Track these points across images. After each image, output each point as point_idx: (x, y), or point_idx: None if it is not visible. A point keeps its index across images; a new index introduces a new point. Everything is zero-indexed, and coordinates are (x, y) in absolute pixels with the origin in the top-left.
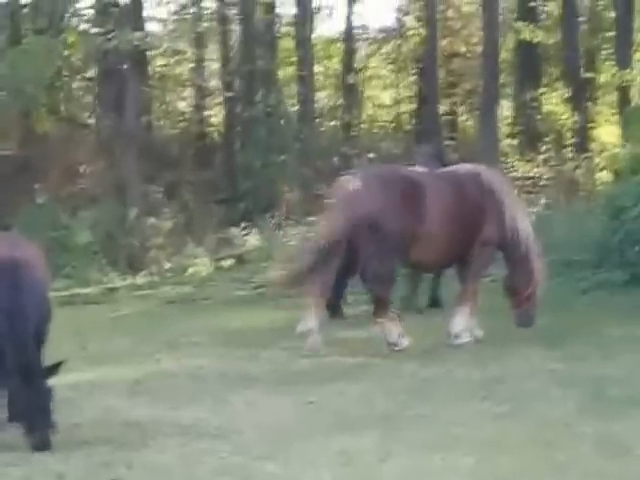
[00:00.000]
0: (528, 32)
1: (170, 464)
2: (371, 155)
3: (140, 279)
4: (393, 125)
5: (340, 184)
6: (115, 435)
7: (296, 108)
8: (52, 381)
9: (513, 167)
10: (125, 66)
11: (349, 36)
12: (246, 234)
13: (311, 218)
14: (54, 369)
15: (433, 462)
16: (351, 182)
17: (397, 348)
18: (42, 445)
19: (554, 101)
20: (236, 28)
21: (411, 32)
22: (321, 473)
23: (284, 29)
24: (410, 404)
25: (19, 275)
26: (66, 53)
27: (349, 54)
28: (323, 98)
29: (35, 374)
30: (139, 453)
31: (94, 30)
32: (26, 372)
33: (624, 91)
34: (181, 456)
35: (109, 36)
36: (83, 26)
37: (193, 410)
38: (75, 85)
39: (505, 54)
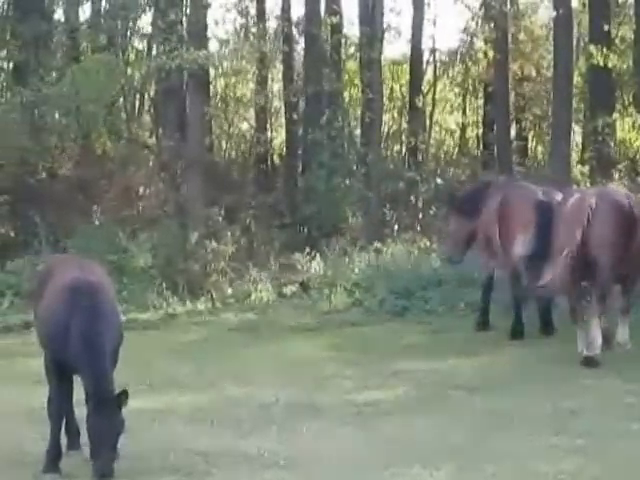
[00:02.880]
0: (601, 56)
1: None
2: (438, 181)
3: (201, 305)
4: (459, 150)
5: (577, 200)
6: (180, 464)
7: (360, 131)
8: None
9: None
10: (187, 86)
11: (416, 58)
12: (309, 260)
13: (377, 244)
14: (123, 398)
15: None
16: (588, 200)
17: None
18: (105, 473)
19: (627, 127)
20: (301, 48)
21: (480, 55)
22: None
23: (350, 50)
24: (483, 438)
25: (98, 300)
26: (127, 72)
27: (415, 76)
28: (388, 121)
29: (109, 402)
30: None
31: (156, 48)
32: (100, 399)
33: None
34: None
35: (171, 55)
36: (144, 44)
37: (259, 439)
38: (136, 105)
39: (577, 79)
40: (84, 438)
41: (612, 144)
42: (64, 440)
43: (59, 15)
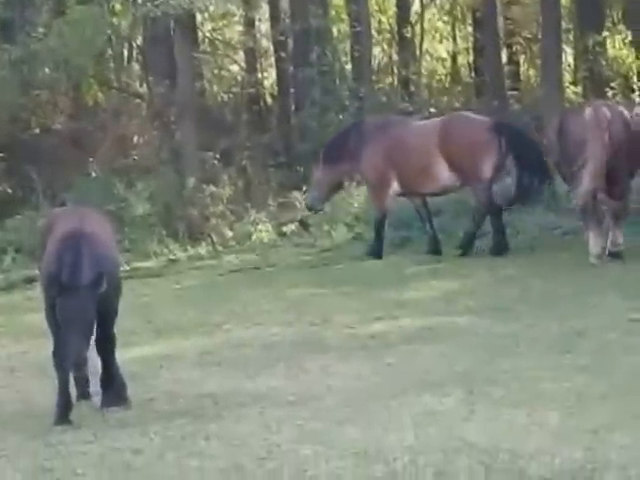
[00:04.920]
0: None
1: (248, 433)
2: (432, 110)
3: (202, 249)
4: (451, 78)
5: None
6: (190, 407)
7: (350, 66)
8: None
9: None
10: (174, 32)
11: None
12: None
13: None
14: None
15: (518, 418)
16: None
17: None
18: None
19: (617, 45)
20: None
21: None
22: (404, 435)
23: None
24: (490, 361)
25: (82, 245)
26: (114, 21)
27: (403, 7)
28: (378, 54)
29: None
30: (216, 424)
31: None
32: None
33: None
34: (259, 425)
35: (156, 2)
36: None
37: (267, 378)
38: (124, 54)
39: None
40: (93, 387)
41: (604, 62)
42: (73, 391)
43: None
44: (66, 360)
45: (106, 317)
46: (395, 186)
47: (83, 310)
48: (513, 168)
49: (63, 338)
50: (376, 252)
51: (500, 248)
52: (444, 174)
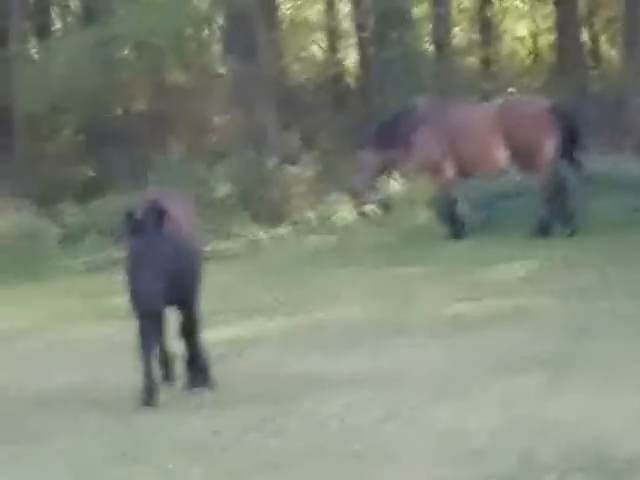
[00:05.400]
0: None
1: (331, 415)
2: (512, 90)
3: (283, 230)
4: (532, 58)
5: None
6: (271, 390)
7: (432, 46)
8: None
9: None
10: (254, 11)
11: None
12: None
13: None
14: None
15: (602, 402)
16: None
17: None
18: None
19: None
20: None
21: None
22: (488, 415)
23: None
24: (571, 345)
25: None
26: (193, 1)
27: None
28: (459, 34)
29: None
30: (297, 406)
31: None
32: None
33: None
34: (342, 406)
35: None
36: None
37: (350, 360)
38: (205, 35)
39: None
40: (179, 369)
41: None
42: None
43: None
44: (139, 301)
45: (189, 298)
46: (451, 171)
47: (154, 251)
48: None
49: (135, 281)
50: (454, 234)
51: (545, 230)
52: (502, 157)
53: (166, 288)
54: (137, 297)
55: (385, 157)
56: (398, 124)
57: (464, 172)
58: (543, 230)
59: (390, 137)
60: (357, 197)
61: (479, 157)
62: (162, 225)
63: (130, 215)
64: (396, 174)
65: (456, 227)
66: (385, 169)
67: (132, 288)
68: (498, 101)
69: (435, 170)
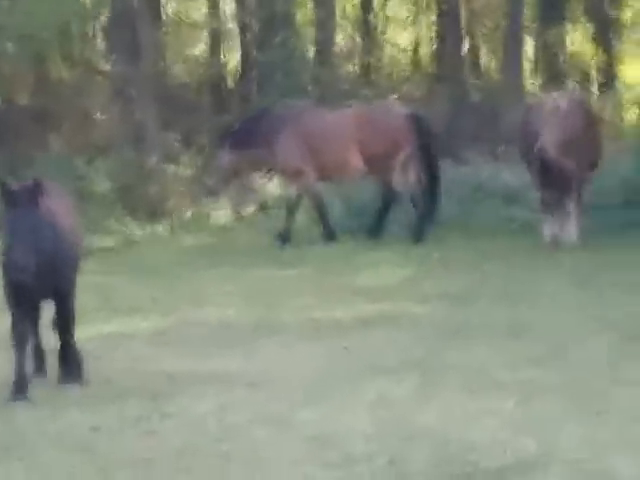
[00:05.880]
0: None
1: (205, 414)
2: (394, 97)
3: (160, 229)
4: (413, 67)
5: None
6: (146, 386)
7: (313, 51)
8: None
9: None
10: (138, 10)
11: None
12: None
13: None
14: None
15: (471, 406)
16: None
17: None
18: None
19: (578, 39)
20: None
21: None
22: (359, 418)
23: None
24: (444, 349)
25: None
26: None
27: None
28: (341, 41)
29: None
30: (172, 404)
31: None
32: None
33: None
34: (215, 406)
35: None
36: None
37: (224, 359)
38: (89, 31)
39: None
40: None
41: (563, 56)
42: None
43: None
44: (12, 266)
45: (64, 293)
46: (311, 173)
47: (27, 218)
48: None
49: (10, 248)
50: (327, 237)
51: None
52: (358, 163)
53: (39, 266)
54: (9, 269)
55: (244, 157)
56: (258, 125)
57: (323, 176)
58: (415, 235)
59: (249, 137)
60: (213, 195)
61: (337, 162)
62: (38, 200)
63: (5, 187)
64: (262, 174)
65: (327, 230)
66: (245, 169)
67: (5, 261)
68: (356, 107)
69: (295, 174)
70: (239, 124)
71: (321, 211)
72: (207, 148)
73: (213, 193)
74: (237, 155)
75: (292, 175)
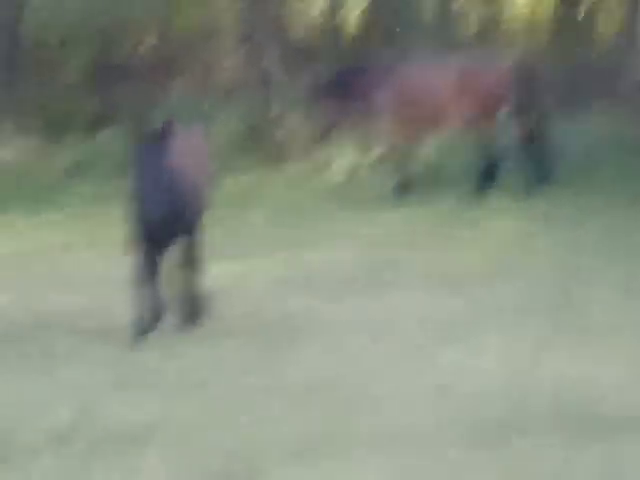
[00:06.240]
0: None
1: (324, 357)
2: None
3: (291, 170)
4: (531, 25)
5: None
6: (268, 329)
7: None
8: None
9: None
10: None
11: None
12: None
13: None
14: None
15: (596, 349)
16: None
17: None
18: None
19: None
20: None
21: None
22: (488, 360)
23: None
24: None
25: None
26: None
27: None
28: None
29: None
30: (293, 347)
31: None
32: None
33: None
34: (337, 350)
35: None
36: None
37: (345, 305)
38: None
39: None
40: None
41: None
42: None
43: None
44: (144, 208)
45: (192, 236)
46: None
47: (158, 161)
48: None
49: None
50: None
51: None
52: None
53: (169, 209)
54: (141, 211)
55: (341, 110)
56: (354, 77)
57: (421, 130)
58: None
59: (346, 90)
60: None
61: (436, 116)
62: (169, 142)
63: (137, 128)
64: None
65: (398, 187)
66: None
67: (137, 203)
68: (457, 60)
69: (390, 129)
70: (334, 76)
71: (402, 170)
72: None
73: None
74: (333, 107)
75: (386, 130)
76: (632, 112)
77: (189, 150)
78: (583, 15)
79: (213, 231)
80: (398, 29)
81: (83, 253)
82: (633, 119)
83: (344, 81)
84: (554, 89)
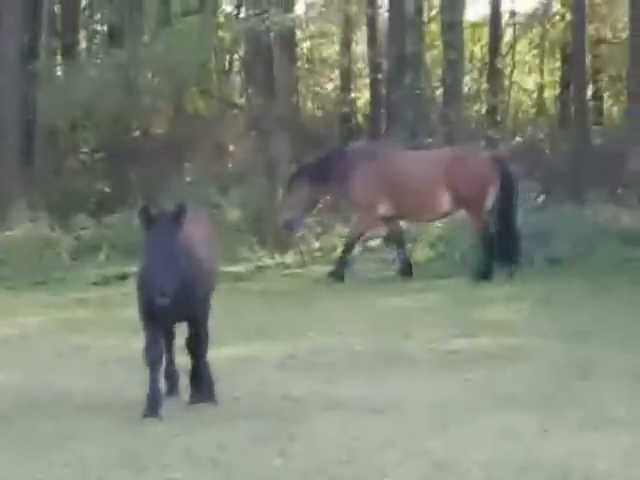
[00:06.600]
0: None
1: (332, 438)
2: (517, 139)
3: (289, 258)
4: (537, 110)
5: None
6: (274, 408)
7: (442, 92)
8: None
9: None
10: (274, 47)
11: (495, 20)
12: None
13: None
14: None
15: (591, 441)
16: None
17: None
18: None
19: None
20: (385, 11)
21: (557, 17)
22: (480, 449)
23: (432, 12)
24: (568, 384)
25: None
26: (218, 33)
27: (495, 38)
28: (468, 82)
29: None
30: (299, 426)
31: (245, 10)
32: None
33: None
34: (341, 430)
35: (261, 17)
36: (233, 7)
37: (350, 386)
38: (226, 66)
39: None
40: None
41: None
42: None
43: None
44: (151, 289)
45: (199, 317)
46: (382, 209)
47: (168, 242)
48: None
49: (149, 270)
50: (340, 276)
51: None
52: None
53: (176, 290)
54: (147, 292)
55: (321, 192)
56: (335, 161)
57: (407, 215)
58: (480, 273)
59: (326, 172)
60: (288, 230)
61: (422, 202)
62: (178, 225)
63: (147, 211)
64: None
65: (339, 269)
66: (315, 205)
67: (144, 284)
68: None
69: (368, 208)
70: (315, 160)
71: (349, 250)
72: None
73: (289, 228)
74: (315, 190)
75: (365, 209)
76: (632, 199)
77: (196, 233)
78: (590, 99)
79: (214, 317)
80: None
81: (87, 333)
82: (633, 206)
83: (327, 164)
84: (557, 174)
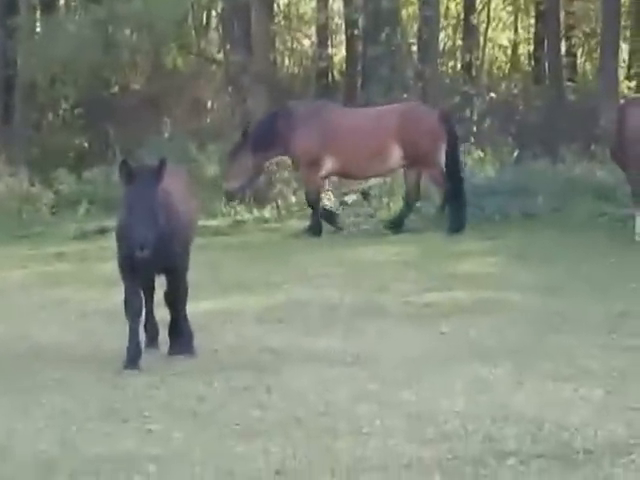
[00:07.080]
0: None
1: (307, 390)
2: (492, 95)
3: (267, 213)
4: (511, 66)
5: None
6: (252, 361)
7: (417, 48)
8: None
9: None
10: (252, 2)
11: None
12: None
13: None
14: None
15: (565, 392)
16: None
17: None
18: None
19: None
20: None
21: None
22: (455, 400)
23: None
24: (539, 336)
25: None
26: None
27: None
28: (443, 38)
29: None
30: (276, 379)
31: None
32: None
33: None
34: (317, 382)
35: None
36: None
37: (326, 338)
38: (204, 22)
39: None
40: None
41: None
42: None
43: None
44: (131, 242)
45: (178, 270)
46: (328, 165)
47: (147, 197)
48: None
49: (129, 224)
50: (317, 231)
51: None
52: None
53: (155, 243)
54: (127, 245)
55: (264, 158)
56: (275, 125)
57: (355, 171)
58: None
59: (268, 139)
60: (230, 198)
61: (370, 157)
62: (157, 179)
63: (126, 165)
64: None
65: (314, 224)
66: (261, 169)
67: (123, 237)
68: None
69: (312, 163)
70: (255, 127)
71: (315, 206)
72: None
73: (231, 197)
74: (258, 156)
75: (309, 165)
76: (605, 155)
77: (175, 188)
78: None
79: (194, 269)
80: (383, 72)
81: (67, 287)
82: (606, 162)
83: (267, 130)
84: (531, 130)
